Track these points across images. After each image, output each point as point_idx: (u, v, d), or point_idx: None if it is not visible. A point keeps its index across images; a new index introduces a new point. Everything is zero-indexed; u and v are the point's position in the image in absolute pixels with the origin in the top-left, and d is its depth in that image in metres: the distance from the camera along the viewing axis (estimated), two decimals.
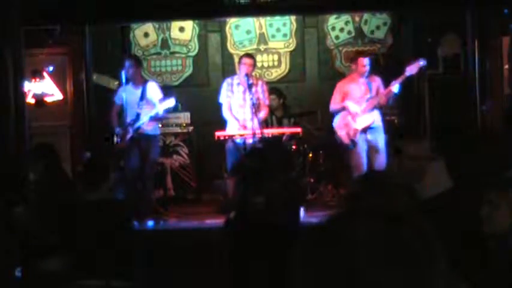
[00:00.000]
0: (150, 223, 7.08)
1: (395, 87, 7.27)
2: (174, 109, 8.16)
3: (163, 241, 6.39)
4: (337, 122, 7.55)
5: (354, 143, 7.40)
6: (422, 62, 7.24)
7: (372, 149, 7.28)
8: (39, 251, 4.23)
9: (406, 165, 3.06)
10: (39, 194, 4.36)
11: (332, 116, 7.74)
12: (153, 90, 7.49)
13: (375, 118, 7.34)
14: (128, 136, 7.31)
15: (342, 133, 7.48)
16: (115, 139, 7.41)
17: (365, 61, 7.44)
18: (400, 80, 7.26)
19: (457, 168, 3.05)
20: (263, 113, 7.78)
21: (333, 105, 7.56)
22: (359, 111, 7.37)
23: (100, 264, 4.09)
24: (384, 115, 7.57)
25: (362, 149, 7.34)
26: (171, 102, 7.30)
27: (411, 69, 7.24)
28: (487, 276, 2.57)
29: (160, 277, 5.38)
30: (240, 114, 7.69)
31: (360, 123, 7.36)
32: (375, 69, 7.75)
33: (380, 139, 7.35)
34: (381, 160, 7.24)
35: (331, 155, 8.50)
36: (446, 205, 2.82)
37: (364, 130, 7.36)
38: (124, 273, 4.20)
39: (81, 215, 4.24)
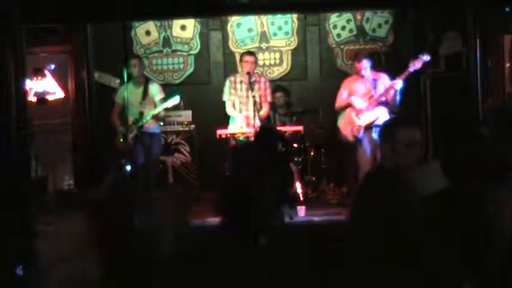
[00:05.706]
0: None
1: (398, 84, 7.24)
2: (176, 107, 8.17)
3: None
4: (341, 120, 7.57)
5: (358, 139, 7.40)
6: (426, 57, 7.20)
7: (376, 147, 7.24)
8: None
9: (399, 152, 3.03)
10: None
11: (334, 114, 7.75)
12: (155, 89, 7.54)
13: (379, 115, 7.31)
14: (132, 134, 7.33)
15: (346, 131, 7.49)
16: (119, 138, 7.42)
17: (362, 64, 7.44)
18: (403, 76, 7.23)
19: (458, 166, 3.05)
20: (264, 110, 7.78)
21: (339, 102, 7.59)
22: (364, 107, 7.37)
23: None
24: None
25: (367, 146, 7.33)
26: (175, 100, 7.34)
27: (415, 65, 7.20)
28: (490, 275, 2.57)
29: (161, 275, 5.38)
30: (243, 112, 7.72)
31: (364, 120, 7.36)
32: (376, 68, 7.74)
33: None
34: None
35: (333, 154, 8.50)
36: (444, 204, 2.82)
37: (369, 128, 7.34)
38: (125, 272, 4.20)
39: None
